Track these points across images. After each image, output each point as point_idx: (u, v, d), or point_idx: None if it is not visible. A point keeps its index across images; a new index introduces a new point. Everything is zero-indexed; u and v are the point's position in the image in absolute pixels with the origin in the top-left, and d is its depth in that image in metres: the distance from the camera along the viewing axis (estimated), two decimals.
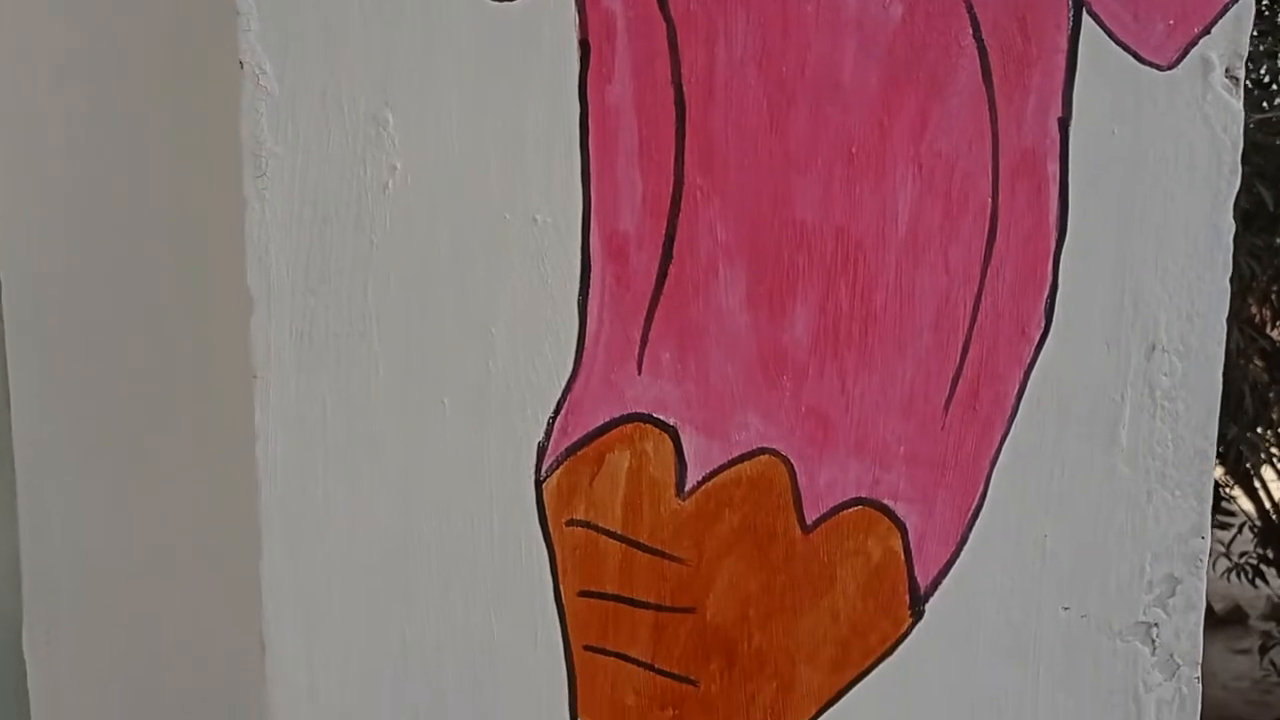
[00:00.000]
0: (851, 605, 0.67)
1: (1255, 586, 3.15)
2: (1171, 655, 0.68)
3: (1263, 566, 3.21)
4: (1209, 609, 0.69)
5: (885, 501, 0.66)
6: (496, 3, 0.60)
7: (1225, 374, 0.67)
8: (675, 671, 0.67)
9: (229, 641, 0.68)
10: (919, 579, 0.67)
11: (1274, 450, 3.19)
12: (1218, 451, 0.70)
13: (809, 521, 0.66)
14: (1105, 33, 0.63)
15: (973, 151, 0.64)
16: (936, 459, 0.66)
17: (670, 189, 0.63)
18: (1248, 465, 3.18)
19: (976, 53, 0.63)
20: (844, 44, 0.62)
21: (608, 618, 0.66)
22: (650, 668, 0.67)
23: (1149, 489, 0.67)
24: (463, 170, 0.62)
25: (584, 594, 0.66)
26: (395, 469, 0.64)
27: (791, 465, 0.66)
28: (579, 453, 0.65)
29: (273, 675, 0.66)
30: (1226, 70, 0.65)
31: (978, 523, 0.67)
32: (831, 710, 0.68)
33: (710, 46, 0.62)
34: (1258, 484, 3.24)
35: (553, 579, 0.66)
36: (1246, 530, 3.19)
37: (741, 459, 0.65)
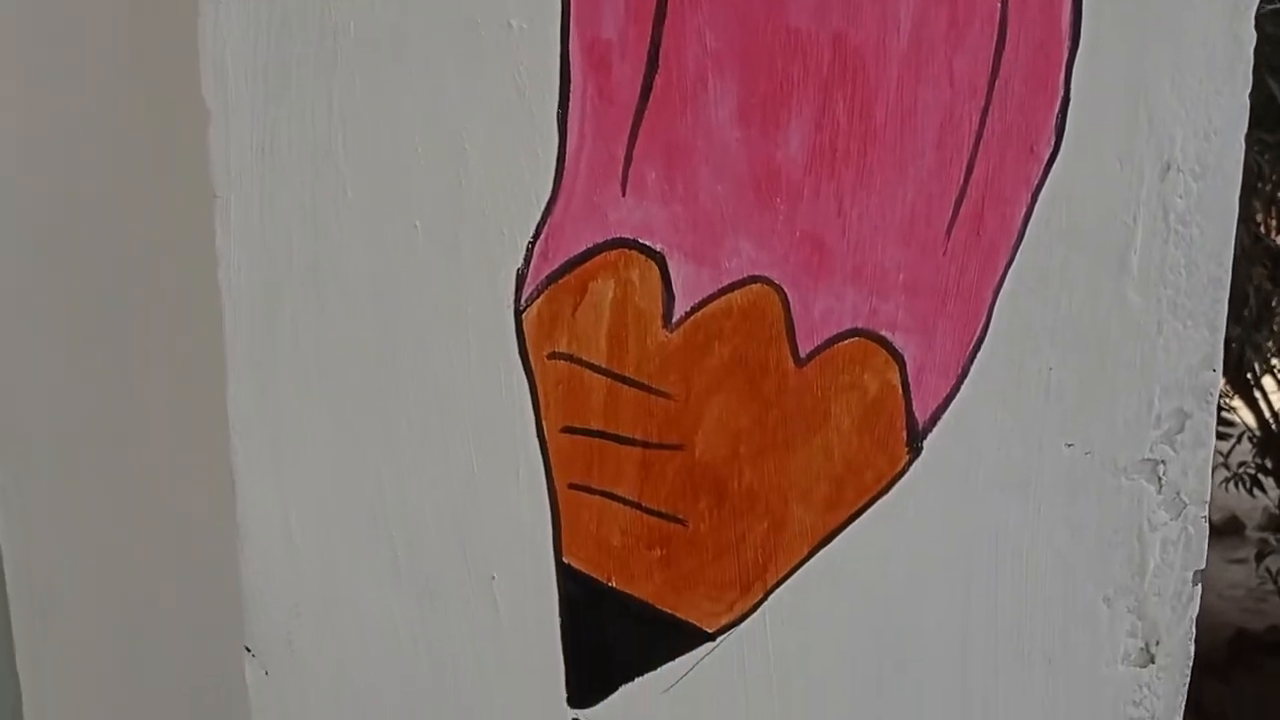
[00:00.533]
0: (846, 441, 0.64)
1: (1253, 496, 3.16)
2: (1178, 493, 0.66)
3: (1260, 476, 3.22)
4: None
5: (883, 332, 0.63)
6: None
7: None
8: (663, 510, 0.64)
9: (200, 476, 0.65)
10: (917, 414, 0.64)
11: (1274, 361, 3.17)
12: None
13: (803, 354, 0.63)
14: None
15: None
16: (937, 287, 0.63)
17: None
18: (1248, 375, 3.17)
19: None
20: None
21: (592, 455, 0.64)
22: (637, 507, 0.64)
23: (1159, 319, 0.64)
24: None
25: (567, 430, 0.63)
26: (366, 296, 0.61)
27: (785, 294, 0.62)
28: (560, 281, 0.61)
29: (244, 516, 0.63)
30: None
31: (979, 355, 0.64)
32: (824, 550, 0.65)
33: None
34: (1258, 394, 3.23)
35: (535, 414, 0.63)
36: (1245, 441, 3.19)
37: (732, 288, 0.62)
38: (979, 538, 0.66)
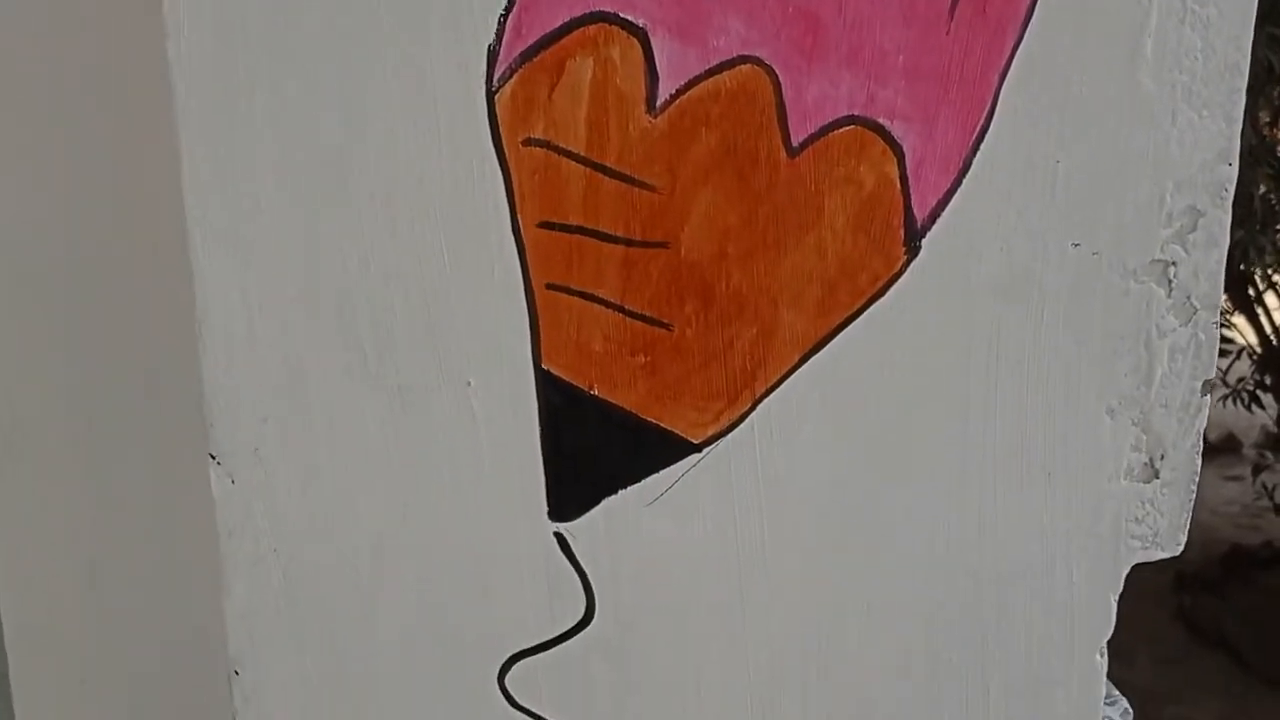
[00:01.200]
0: (840, 240, 0.61)
1: (1251, 412, 3.15)
2: (1189, 298, 0.63)
3: (1259, 393, 3.20)
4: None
5: (880, 120, 0.59)
6: None
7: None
8: (647, 314, 0.61)
9: (162, 281, 0.62)
10: (915, 211, 0.61)
11: (1276, 276, 3.14)
12: None
13: (795, 143, 0.59)
14: None
15: None
16: (939, 71, 0.59)
17: None
18: (1249, 291, 3.14)
19: None
20: None
21: (572, 252, 0.60)
22: (620, 309, 0.61)
23: (1174, 108, 0.60)
24: None
25: (545, 225, 0.60)
26: (326, 74, 0.57)
27: (776, 77, 0.58)
28: (535, 59, 0.57)
29: (205, 317, 0.60)
30: None
31: (983, 146, 0.60)
32: (816, 358, 0.62)
33: None
34: (1259, 310, 3.20)
35: (510, 207, 0.59)
36: (1244, 357, 3.17)
37: (720, 69, 0.58)
38: (978, 344, 0.63)
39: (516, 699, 0.65)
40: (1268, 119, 2.63)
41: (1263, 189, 2.53)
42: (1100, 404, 0.64)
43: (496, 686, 0.65)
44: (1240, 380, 3.18)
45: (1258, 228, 2.28)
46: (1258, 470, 3.20)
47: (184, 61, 0.56)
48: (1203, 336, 0.63)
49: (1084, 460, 0.64)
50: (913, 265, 0.61)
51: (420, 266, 0.60)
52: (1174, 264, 0.62)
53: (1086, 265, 0.62)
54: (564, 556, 0.64)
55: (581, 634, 0.64)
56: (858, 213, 0.60)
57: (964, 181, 0.60)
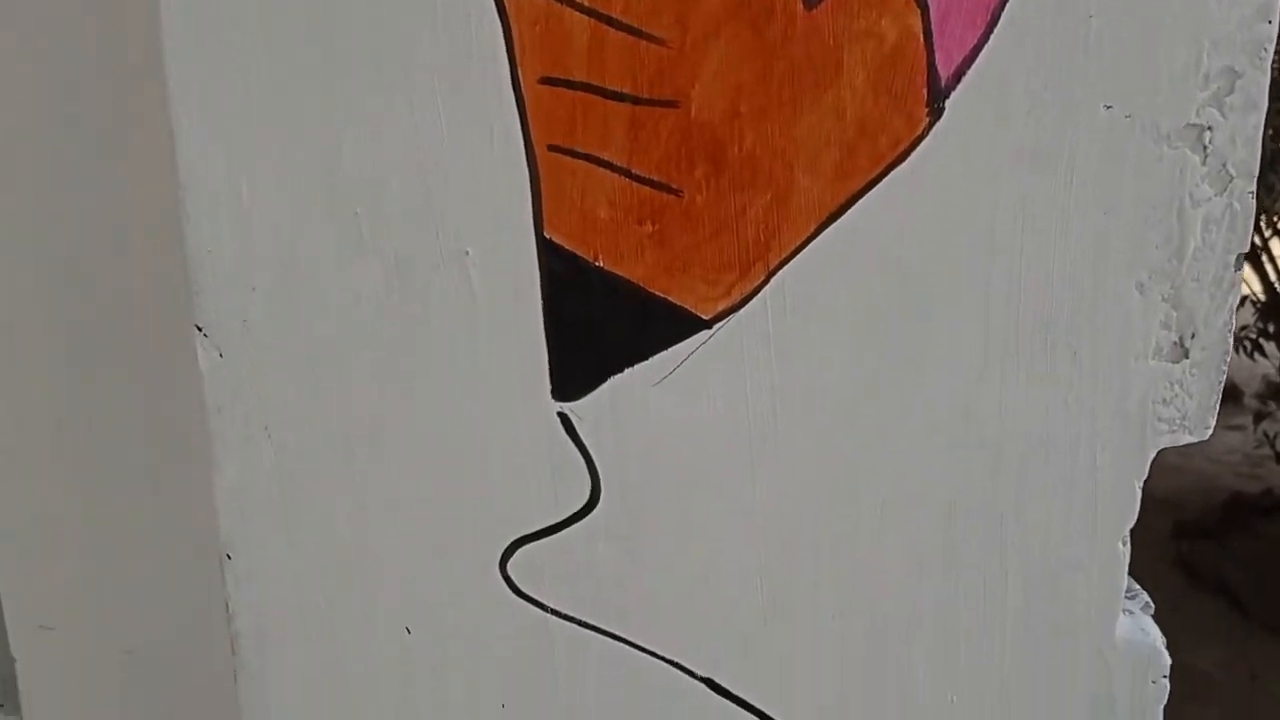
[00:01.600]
0: (860, 100, 0.58)
1: (1254, 360, 3.13)
2: (1225, 165, 0.60)
3: (1262, 341, 3.18)
4: None
5: None
6: None
7: None
8: (655, 178, 0.58)
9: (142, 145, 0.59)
10: (939, 69, 0.57)
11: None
12: None
13: None
14: None
15: None
16: None
17: None
18: (1255, 239, 3.10)
19: None
20: None
21: (576, 111, 0.57)
22: (626, 173, 0.58)
23: None
24: None
25: (547, 81, 0.56)
26: None
27: None
28: None
29: (187, 180, 0.57)
30: None
31: None
32: (833, 226, 0.59)
33: None
34: (1264, 258, 3.17)
35: (509, 62, 0.56)
36: (1248, 305, 3.15)
37: None
38: (1003, 213, 0.60)
39: (519, 586, 0.63)
40: (1275, 62, 2.58)
41: (1269, 130, 2.49)
42: (1130, 278, 0.61)
43: (498, 573, 0.62)
44: (1243, 328, 3.16)
45: (1268, 163, 2.25)
46: (1259, 419, 3.18)
47: None
48: (1238, 206, 0.60)
49: (1111, 338, 0.61)
50: (936, 127, 0.58)
51: (414, 126, 0.56)
52: (1210, 128, 0.59)
53: (1118, 129, 0.59)
54: (568, 438, 0.61)
55: (586, 519, 0.62)
56: (878, 70, 0.57)
57: (991, 37, 0.57)
